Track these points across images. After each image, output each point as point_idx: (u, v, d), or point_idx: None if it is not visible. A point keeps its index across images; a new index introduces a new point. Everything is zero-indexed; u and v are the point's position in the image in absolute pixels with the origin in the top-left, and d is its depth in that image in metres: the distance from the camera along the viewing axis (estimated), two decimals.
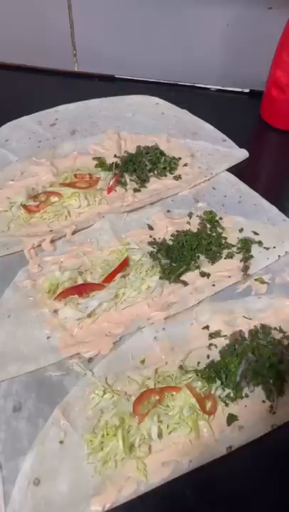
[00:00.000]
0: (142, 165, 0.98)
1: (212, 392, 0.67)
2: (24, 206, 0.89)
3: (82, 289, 0.77)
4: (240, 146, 1.06)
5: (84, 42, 1.19)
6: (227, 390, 0.68)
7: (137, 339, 0.74)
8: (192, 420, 0.65)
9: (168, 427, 0.64)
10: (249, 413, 0.66)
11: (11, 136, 1.06)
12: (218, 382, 0.68)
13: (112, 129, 1.08)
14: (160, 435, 0.63)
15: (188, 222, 0.90)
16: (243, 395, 0.68)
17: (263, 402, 0.68)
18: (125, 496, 0.59)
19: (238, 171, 1.02)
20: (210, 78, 1.21)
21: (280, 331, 0.74)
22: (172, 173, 0.99)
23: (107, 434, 0.62)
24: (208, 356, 0.71)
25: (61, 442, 0.63)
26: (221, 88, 1.22)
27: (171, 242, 0.86)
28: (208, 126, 1.11)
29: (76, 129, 1.09)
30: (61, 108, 1.14)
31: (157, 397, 0.65)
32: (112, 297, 0.77)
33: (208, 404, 0.66)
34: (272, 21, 1.01)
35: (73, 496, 0.59)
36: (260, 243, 0.87)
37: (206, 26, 1.10)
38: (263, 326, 0.75)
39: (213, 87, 1.23)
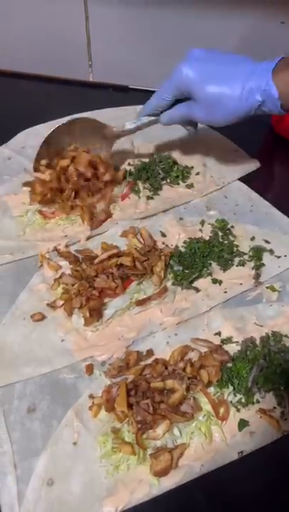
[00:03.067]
0: (155, 173, 1.00)
1: (225, 397, 0.68)
2: (40, 212, 0.91)
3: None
4: (252, 156, 1.08)
5: (99, 53, 1.22)
6: (238, 396, 0.68)
7: (149, 344, 0.75)
8: (206, 426, 0.65)
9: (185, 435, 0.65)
10: (261, 419, 0.67)
11: (27, 143, 1.08)
12: (231, 387, 0.68)
13: (125, 138, 1.09)
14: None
15: (201, 230, 0.92)
16: (255, 400, 0.68)
17: (274, 408, 0.68)
18: (138, 498, 0.60)
19: (250, 180, 1.04)
20: None
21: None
22: (185, 182, 1.01)
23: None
24: None
25: (74, 444, 0.64)
26: None
27: (183, 249, 0.87)
28: (219, 136, 1.13)
29: None
30: (75, 117, 1.16)
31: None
32: (127, 304, 0.79)
33: (222, 410, 0.67)
34: (284, 35, 1.03)
35: (86, 496, 0.60)
36: (271, 251, 0.88)
37: (219, 39, 1.12)
38: (274, 333, 0.76)
39: None
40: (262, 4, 1.04)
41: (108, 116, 1.15)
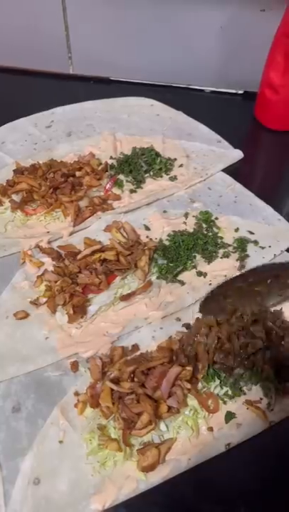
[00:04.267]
0: (138, 166, 0.99)
1: (212, 390, 0.67)
2: (21, 208, 0.89)
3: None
4: (235, 147, 1.07)
5: (79, 44, 1.20)
6: (225, 388, 0.68)
7: (134, 339, 0.74)
8: (193, 420, 0.65)
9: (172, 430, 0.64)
10: (247, 410, 0.67)
11: (7, 138, 1.07)
12: (217, 381, 0.68)
13: (108, 130, 1.08)
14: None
15: (185, 223, 0.91)
16: (241, 392, 0.68)
17: (261, 399, 0.68)
18: (125, 494, 0.59)
19: (233, 171, 1.03)
20: (205, 80, 1.22)
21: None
22: (168, 174, 1.00)
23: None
24: None
25: (61, 442, 0.63)
26: (216, 90, 1.23)
27: (167, 243, 0.86)
28: (203, 128, 1.12)
29: (72, 130, 1.09)
30: (57, 110, 1.15)
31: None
32: (111, 299, 0.78)
33: (211, 403, 0.67)
34: (265, 23, 1.02)
35: (73, 495, 0.59)
36: (255, 242, 0.88)
37: (200, 29, 1.11)
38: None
39: (208, 89, 1.24)
40: None
41: (92, 109, 1.15)
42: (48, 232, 0.88)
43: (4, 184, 0.92)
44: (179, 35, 1.14)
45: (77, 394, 0.67)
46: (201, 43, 1.13)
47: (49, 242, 0.86)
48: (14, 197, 0.90)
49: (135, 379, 0.66)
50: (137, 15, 1.12)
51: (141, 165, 0.99)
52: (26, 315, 0.76)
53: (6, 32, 1.18)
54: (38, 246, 0.84)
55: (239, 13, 1.06)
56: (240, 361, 0.68)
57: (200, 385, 0.68)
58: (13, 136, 1.07)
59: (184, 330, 0.74)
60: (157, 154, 1.02)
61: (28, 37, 1.18)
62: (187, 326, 0.75)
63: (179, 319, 0.77)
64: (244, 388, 0.69)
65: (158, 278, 0.82)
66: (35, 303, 0.77)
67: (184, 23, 1.11)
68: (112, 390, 0.64)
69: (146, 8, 1.10)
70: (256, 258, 0.86)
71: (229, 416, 0.66)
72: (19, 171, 0.93)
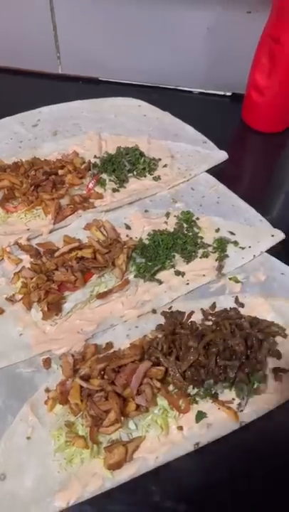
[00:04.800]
0: (122, 165, 0.99)
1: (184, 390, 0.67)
2: (2, 205, 0.89)
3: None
4: (221, 148, 1.07)
5: (68, 44, 1.20)
6: (196, 389, 0.68)
7: (109, 337, 0.74)
8: (162, 419, 0.65)
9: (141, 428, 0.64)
10: (218, 410, 0.67)
11: None
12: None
13: (94, 130, 1.09)
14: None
15: (166, 222, 0.91)
16: (213, 397, 0.68)
17: (233, 399, 0.68)
18: (90, 491, 0.59)
19: (218, 172, 1.03)
20: (193, 81, 1.22)
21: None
22: (152, 174, 1.00)
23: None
24: None
25: (28, 438, 0.63)
26: (204, 91, 1.23)
27: (147, 242, 0.86)
28: (189, 128, 1.12)
29: (58, 129, 1.10)
30: (44, 109, 1.15)
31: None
32: (87, 297, 0.78)
33: (182, 403, 0.66)
34: (251, 25, 1.02)
35: (38, 491, 0.59)
36: (235, 243, 0.88)
37: (187, 30, 1.11)
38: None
39: (196, 90, 1.24)
40: None
41: (79, 109, 1.15)
42: (28, 229, 0.88)
43: None
44: (166, 36, 1.14)
45: (48, 390, 0.67)
46: (189, 44, 1.13)
47: (28, 240, 0.86)
48: None
49: (105, 376, 0.65)
50: (126, 16, 1.12)
51: (124, 164, 0.99)
52: (1, 311, 0.76)
53: None
54: (17, 243, 0.84)
55: (225, 15, 1.06)
56: (213, 375, 0.68)
57: (171, 385, 0.68)
58: (0, 134, 1.07)
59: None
60: (141, 154, 1.02)
61: (17, 36, 1.18)
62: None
63: (154, 311, 0.77)
64: (218, 391, 0.68)
65: (136, 277, 0.81)
66: (10, 299, 0.77)
67: (171, 25, 1.11)
68: (81, 387, 0.64)
69: (134, 9, 1.10)
70: (235, 258, 0.85)
71: (200, 416, 0.66)
72: (1, 169, 0.93)
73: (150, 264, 0.83)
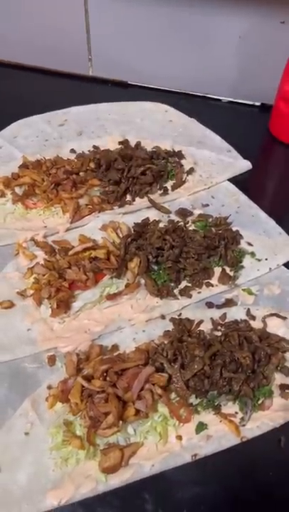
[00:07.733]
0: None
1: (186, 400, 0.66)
2: (22, 201, 0.91)
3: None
4: (245, 158, 1.05)
5: (100, 47, 1.21)
6: (199, 399, 0.67)
7: (115, 339, 0.74)
8: (162, 426, 0.64)
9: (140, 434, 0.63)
10: (220, 423, 0.65)
11: (20, 133, 1.09)
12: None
13: (119, 132, 1.09)
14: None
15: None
16: (216, 409, 0.66)
17: (236, 413, 0.66)
18: (82, 493, 0.58)
19: (241, 181, 1.02)
20: (222, 90, 1.21)
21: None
22: (173, 180, 1.00)
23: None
24: None
25: (26, 434, 0.63)
26: (233, 100, 1.23)
27: None
28: (214, 136, 1.11)
29: (83, 130, 1.10)
30: (72, 110, 1.16)
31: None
32: (97, 297, 0.78)
33: (183, 412, 0.65)
34: (284, 35, 1.01)
35: (31, 487, 0.59)
36: (252, 254, 0.86)
37: (218, 38, 1.11)
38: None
39: (225, 99, 1.23)
40: (262, 3, 1.02)
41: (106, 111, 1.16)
42: (45, 226, 0.88)
43: (9, 176, 0.94)
44: (198, 43, 1.14)
45: (50, 387, 0.67)
46: (220, 52, 1.13)
47: (45, 237, 0.86)
48: (17, 190, 0.92)
49: (107, 378, 0.65)
50: (158, 21, 1.12)
51: None
52: (12, 305, 0.76)
53: (29, 32, 1.21)
54: (33, 239, 0.85)
55: (258, 24, 1.05)
56: (217, 387, 0.66)
57: (173, 394, 0.67)
58: (26, 131, 1.09)
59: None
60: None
61: (50, 38, 1.21)
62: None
63: (163, 317, 0.76)
64: (221, 403, 0.67)
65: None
66: (22, 294, 0.77)
67: (203, 32, 1.11)
68: (82, 386, 0.64)
69: (166, 15, 1.10)
70: (251, 270, 0.84)
71: (201, 427, 0.65)
72: (24, 165, 0.94)
73: None
